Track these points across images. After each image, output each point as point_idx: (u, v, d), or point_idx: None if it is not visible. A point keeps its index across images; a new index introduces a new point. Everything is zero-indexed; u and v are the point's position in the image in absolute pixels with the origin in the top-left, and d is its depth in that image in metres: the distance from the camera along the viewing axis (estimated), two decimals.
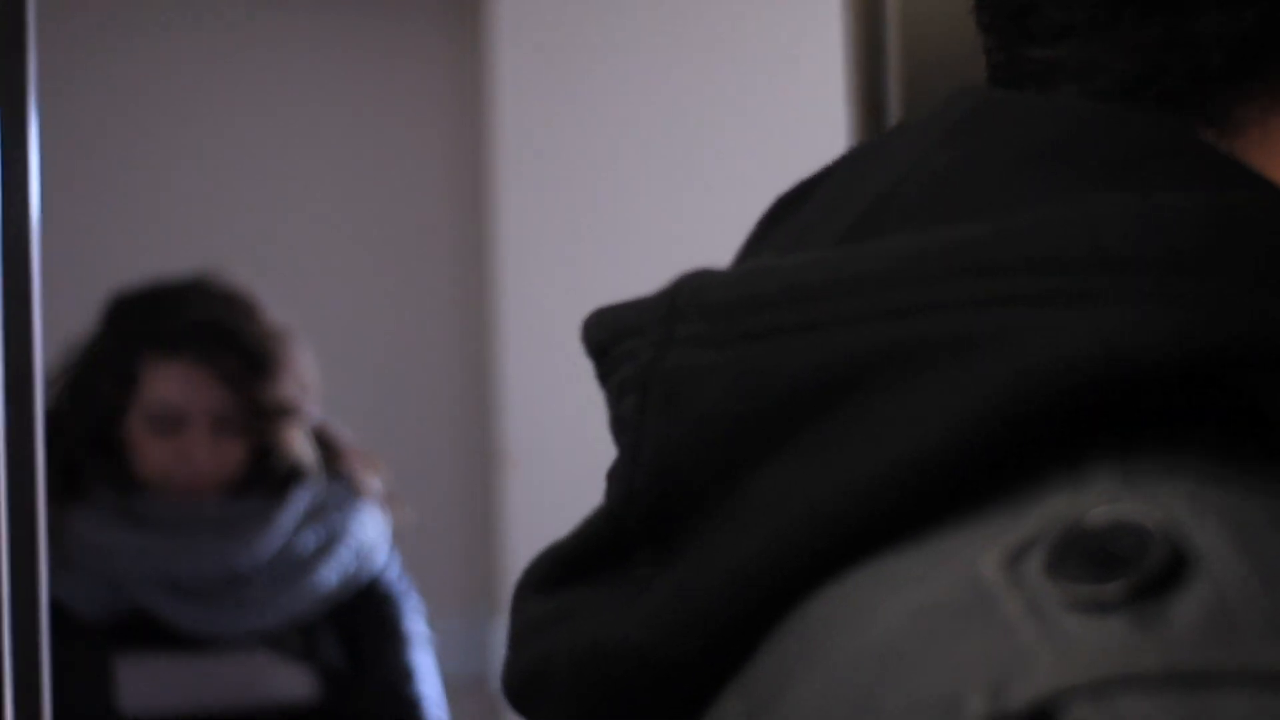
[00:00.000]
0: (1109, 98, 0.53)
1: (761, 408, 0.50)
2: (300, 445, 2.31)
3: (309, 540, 2.29)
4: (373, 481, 2.41)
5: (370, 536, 2.37)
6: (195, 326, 2.29)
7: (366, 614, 2.34)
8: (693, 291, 0.53)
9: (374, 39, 3.33)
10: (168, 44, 3.32)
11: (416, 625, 2.41)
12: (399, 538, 2.43)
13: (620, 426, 0.54)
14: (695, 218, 2.99)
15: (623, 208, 3.02)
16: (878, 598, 0.46)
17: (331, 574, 2.30)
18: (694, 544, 0.51)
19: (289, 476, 2.32)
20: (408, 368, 3.31)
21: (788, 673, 0.48)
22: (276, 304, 3.31)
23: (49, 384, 2.24)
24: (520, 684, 0.56)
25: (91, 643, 2.21)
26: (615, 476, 0.55)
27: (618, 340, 0.55)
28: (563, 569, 0.56)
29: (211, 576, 2.25)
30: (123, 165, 3.29)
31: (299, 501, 2.31)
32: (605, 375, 0.56)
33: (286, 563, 2.28)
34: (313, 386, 2.37)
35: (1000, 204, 0.50)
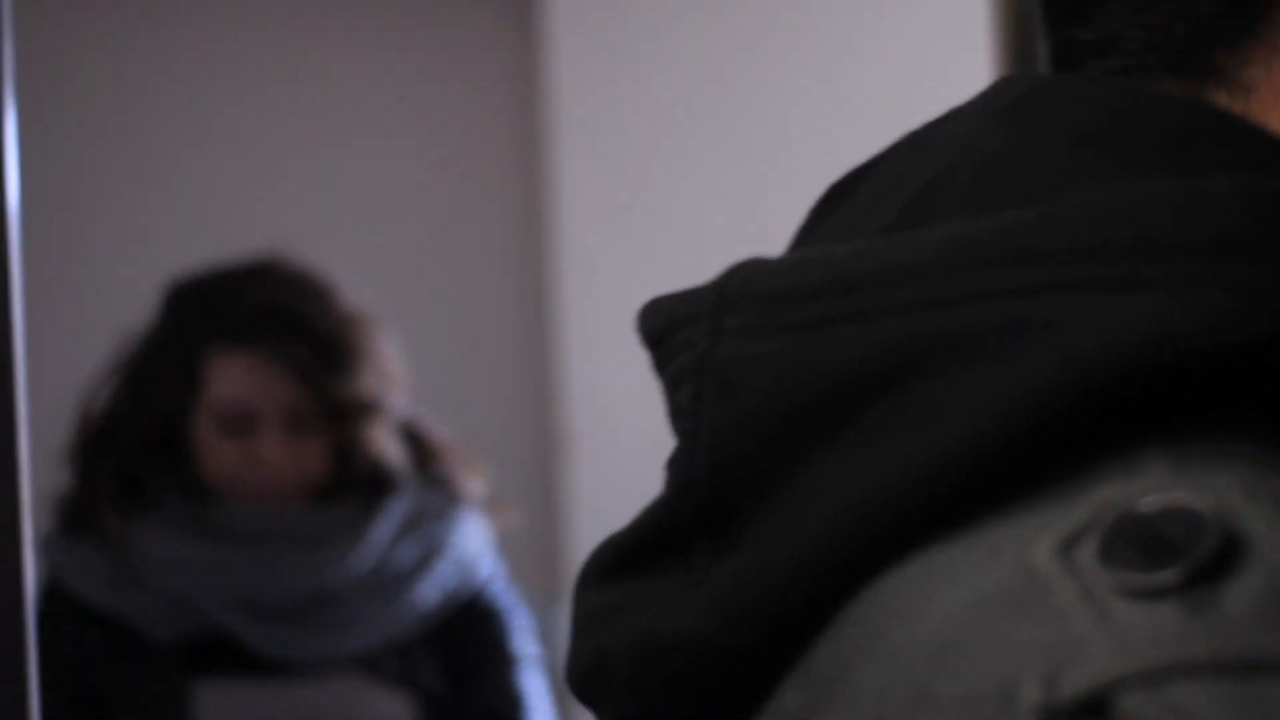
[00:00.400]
0: (1127, 71, 0.53)
1: (813, 397, 0.50)
2: (386, 444, 2.07)
3: (406, 554, 2.07)
4: (473, 484, 2.17)
5: (473, 547, 2.13)
6: (262, 314, 2.05)
7: (470, 633, 2.11)
8: (742, 281, 0.53)
9: (429, 25, 3.34)
10: (222, 27, 3.33)
11: (525, 645, 2.18)
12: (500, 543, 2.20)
13: (678, 416, 0.55)
14: (756, 199, 2.99)
15: (683, 189, 3.02)
16: (933, 587, 0.47)
17: (431, 590, 2.07)
18: (750, 534, 0.51)
19: (379, 482, 2.08)
20: (470, 351, 3.32)
21: (845, 663, 0.48)
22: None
23: (103, 382, 2.09)
24: (582, 674, 0.57)
25: (166, 667, 2.01)
26: (674, 466, 0.55)
27: (673, 330, 0.55)
28: (622, 559, 0.57)
29: (297, 594, 2.02)
30: (166, 150, 3.31)
31: (394, 510, 2.07)
32: (661, 365, 0.57)
33: (382, 579, 2.05)
34: (397, 378, 2.14)
35: (1048, 189, 0.50)
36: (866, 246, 0.51)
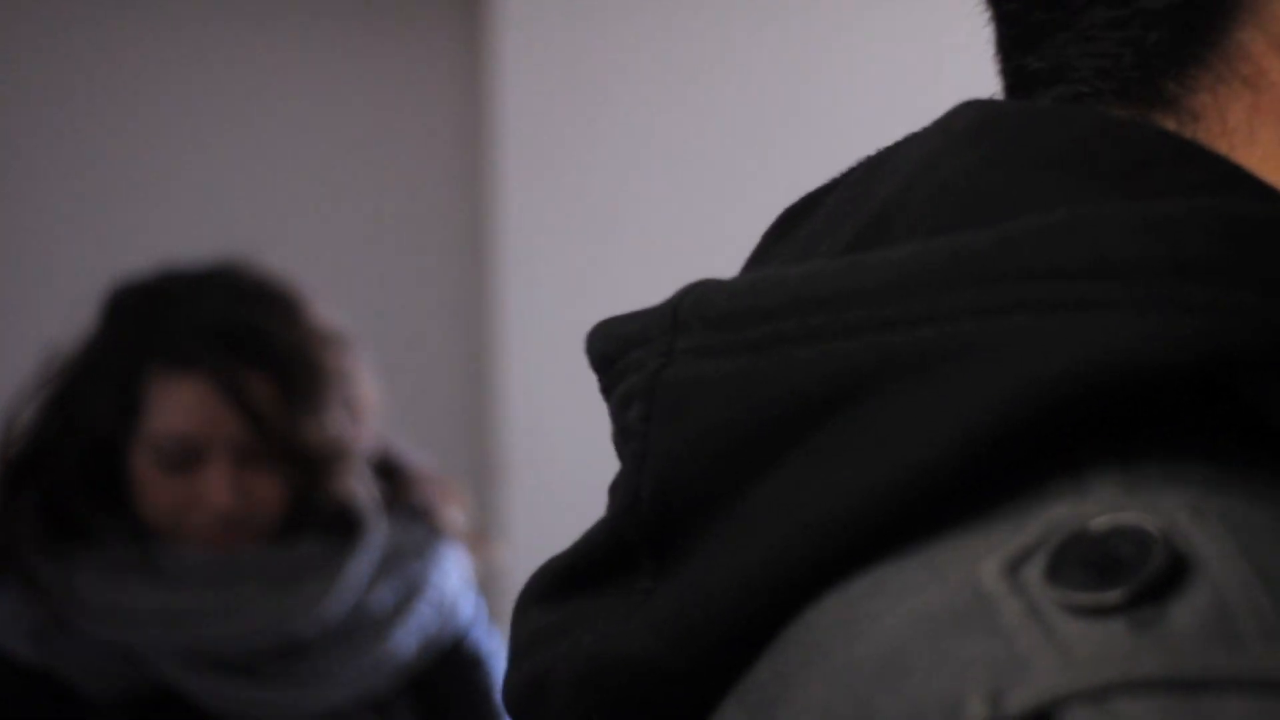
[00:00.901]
0: (1079, 99, 0.54)
1: (764, 418, 0.50)
2: (354, 483, 1.83)
3: (384, 596, 1.83)
4: (455, 517, 1.94)
5: (454, 586, 1.89)
6: (213, 332, 1.77)
7: (454, 683, 1.87)
8: (695, 302, 0.53)
9: (376, 31, 3.33)
10: (166, 33, 3.32)
11: None
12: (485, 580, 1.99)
13: (625, 437, 0.55)
14: (703, 218, 2.99)
15: (626, 208, 3.03)
16: (878, 606, 0.47)
17: (410, 637, 1.83)
18: (696, 554, 0.51)
19: (348, 519, 1.83)
20: (406, 376, 3.31)
21: (787, 680, 0.48)
22: None
23: (28, 400, 1.82)
24: (521, 696, 0.56)
25: None
26: (619, 488, 0.55)
27: (623, 351, 0.55)
28: (564, 581, 0.56)
29: (259, 645, 1.77)
30: (116, 157, 3.29)
31: (370, 547, 1.83)
32: (610, 387, 0.56)
33: (358, 625, 1.80)
34: (371, 405, 1.89)
35: (1005, 213, 0.50)
36: (820, 267, 0.51)
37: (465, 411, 3.27)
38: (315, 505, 1.81)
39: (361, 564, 1.82)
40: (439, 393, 3.31)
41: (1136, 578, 0.43)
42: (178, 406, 1.77)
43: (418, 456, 1.98)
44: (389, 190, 3.33)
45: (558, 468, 3.01)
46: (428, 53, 3.34)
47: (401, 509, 1.89)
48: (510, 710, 0.57)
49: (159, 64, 3.31)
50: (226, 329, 1.77)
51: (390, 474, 1.91)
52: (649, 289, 2.92)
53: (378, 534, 1.84)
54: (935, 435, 0.47)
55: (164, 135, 3.30)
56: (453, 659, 1.87)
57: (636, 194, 3.02)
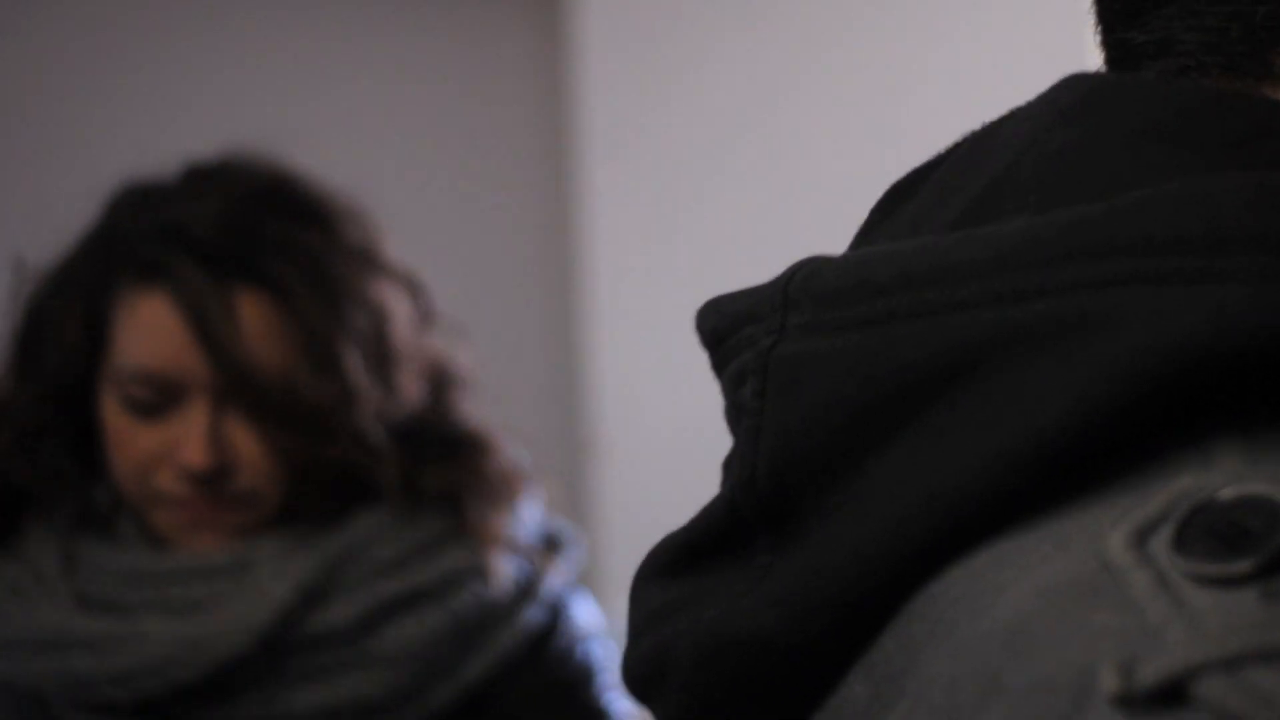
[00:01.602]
0: (1184, 72, 0.54)
1: (879, 393, 0.50)
2: (362, 452, 1.38)
3: (351, 611, 1.36)
4: (500, 522, 1.46)
5: (505, 594, 1.44)
6: (190, 234, 1.33)
7: (529, 704, 1.42)
8: (806, 279, 0.53)
9: (458, 18, 3.34)
10: (240, 14, 3.34)
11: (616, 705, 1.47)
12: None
13: (738, 413, 0.55)
14: (786, 201, 2.99)
15: (713, 192, 3.02)
16: (1003, 578, 0.47)
17: (457, 648, 1.40)
18: (815, 529, 0.52)
19: (349, 489, 1.40)
20: (499, 356, 3.32)
21: (914, 654, 0.48)
22: None
23: None
24: (641, 672, 0.57)
25: None
26: (733, 464, 0.55)
27: (734, 328, 0.55)
28: (681, 557, 0.57)
29: (147, 686, 1.33)
30: (189, 137, 3.31)
31: (337, 545, 1.38)
32: (721, 363, 0.57)
33: (305, 654, 1.35)
34: (436, 365, 1.50)
35: (1114, 185, 0.50)
36: (931, 243, 0.51)
37: (556, 393, 3.28)
38: (320, 477, 1.36)
39: (309, 569, 1.35)
40: (530, 375, 3.32)
41: (1266, 548, 0.42)
42: (140, 332, 1.34)
43: (508, 444, 1.56)
44: (477, 173, 3.34)
45: (649, 448, 3.02)
46: (511, 38, 3.34)
47: (434, 498, 1.42)
48: (629, 686, 0.58)
49: (238, 43, 3.33)
50: (210, 232, 1.33)
51: (445, 454, 1.44)
52: (735, 268, 2.94)
53: (359, 529, 1.39)
54: (1055, 407, 0.47)
55: (247, 121, 3.33)
56: (529, 675, 1.42)
57: (722, 173, 3.02)
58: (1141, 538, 0.44)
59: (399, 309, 1.45)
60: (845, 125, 2.97)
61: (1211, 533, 0.43)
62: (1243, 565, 0.42)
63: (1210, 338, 0.46)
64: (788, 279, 0.54)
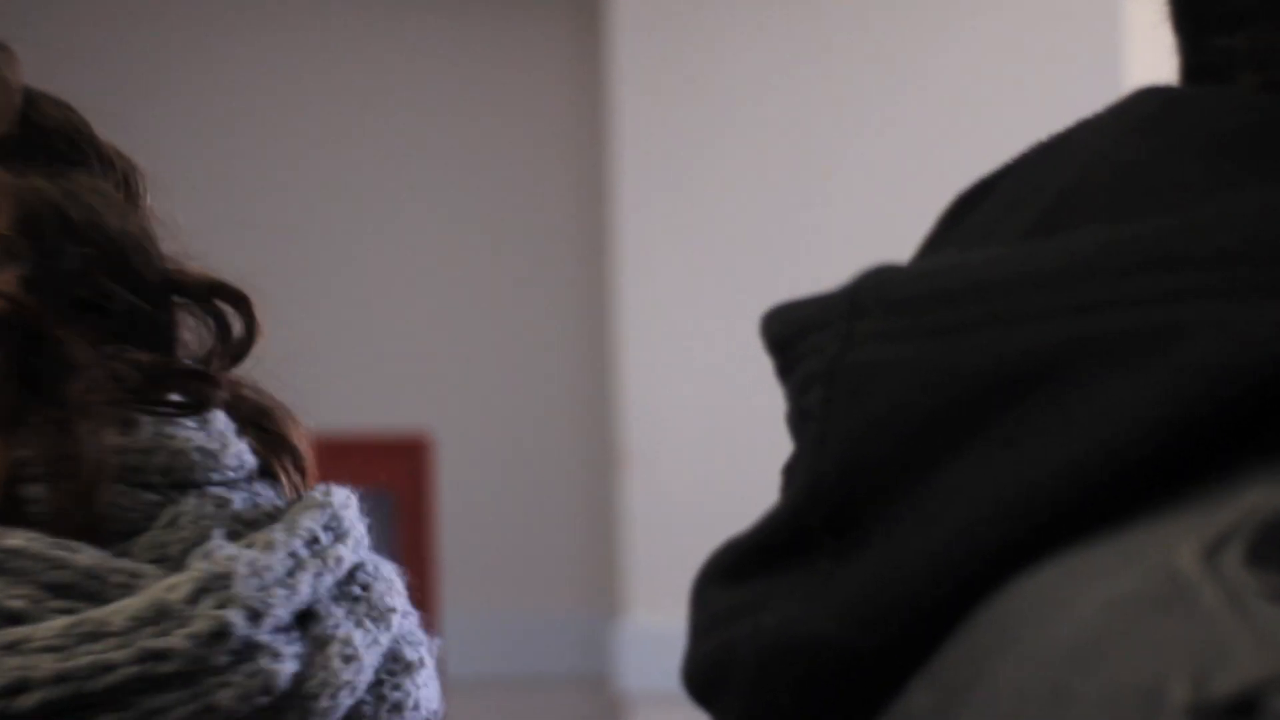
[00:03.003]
0: (1272, 86, 0.54)
1: (947, 402, 0.50)
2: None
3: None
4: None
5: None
6: None
7: None
8: (875, 287, 0.54)
9: (493, 30, 3.35)
10: (282, 37, 3.35)
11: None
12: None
13: (803, 420, 0.55)
14: (819, 214, 2.99)
15: (744, 205, 3.03)
16: (1071, 590, 0.47)
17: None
18: (879, 537, 0.52)
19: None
20: (527, 367, 3.33)
21: (979, 664, 0.48)
22: (393, 304, 3.34)
23: None
24: (702, 676, 0.57)
25: None
26: (797, 470, 0.56)
27: (801, 335, 0.56)
28: (745, 561, 0.57)
29: None
30: (228, 160, 3.32)
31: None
32: (786, 370, 0.57)
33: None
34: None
35: (1189, 199, 0.50)
36: (1003, 253, 0.51)
37: (586, 404, 3.28)
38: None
39: None
40: (560, 385, 3.32)
41: None
42: None
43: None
44: (511, 183, 3.35)
45: (677, 460, 3.02)
46: (545, 46, 3.35)
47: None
48: (691, 690, 0.58)
49: (270, 64, 3.34)
50: None
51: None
52: (768, 280, 2.92)
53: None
54: (1125, 420, 0.47)
55: (279, 136, 3.33)
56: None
57: (755, 185, 3.02)
58: (1212, 552, 0.45)
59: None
60: (881, 137, 2.97)
61: None
62: None
63: None
64: (856, 286, 0.54)
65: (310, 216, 3.32)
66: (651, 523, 3.01)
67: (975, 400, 0.50)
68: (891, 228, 2.98)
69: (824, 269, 3.32)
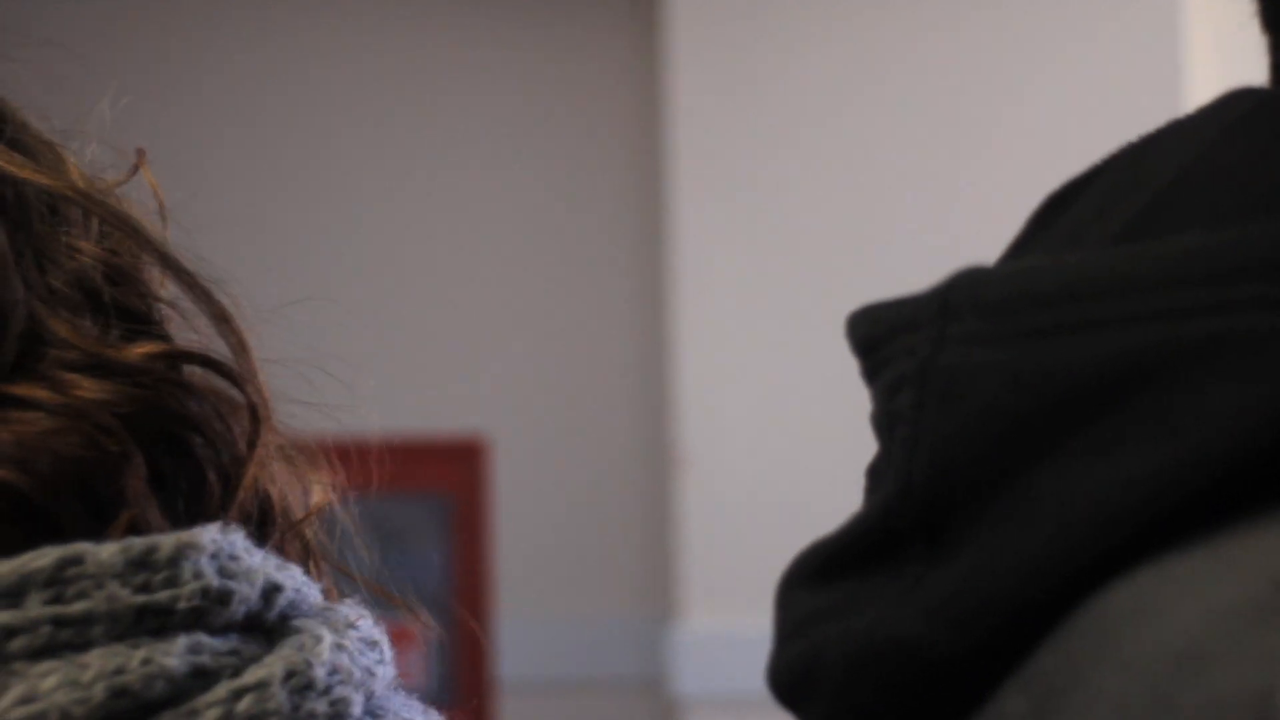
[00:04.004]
0: None
1: (1043, 405, 0.50)
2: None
3: None
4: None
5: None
6: None
7: None
8: (967, 288, 0.53)
9: (550, 30, 3.35)
10: (336, 36, 3.36)
11: None
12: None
13: (892, 422, 0.55)
14: (876, 217, 2.98)
15: (801, 208, 3.02)
16: (1168, 596, 0.46)
17: None
18: (972, 539, 0.51)
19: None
20: (584, 369, 3.33)
21: (1076, 670, 0.48)
22: (450, 306, 3.35)
23: None
24: (788, 678, 0.57)
25: None
26: (884, 472, 0.55)
27: (890, 336, 0.55)
28: (831, 564, 0.57)
29: None
30: (282, 161, 3.33)
31: None
32: (873, 371, 0.57)
33: None
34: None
35: None
36: (1100, 255, 0.51)
37: (643, 406, 3.28)
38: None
39: None
40: (617, 385, 3.32)
41: None
42: None
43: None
44: (567, 186, 3.35)
45: (733, 463, 3.02)
46: (603, 48, 3.35)
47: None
48: (776, 693, 0.58)
49: (329, 62, 3.35)
50: None
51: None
52: (824, 282, 2.90)
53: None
54: (1226, 425, 0.47)
55: (336, 138, 3.34)
56: None
57: (811, 186, 3.01)
58: None
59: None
60: (937, 136, 2.96)
61: None
62: None
63: None
64: (947, 288, 0.54)
65: (368, 220, 3.33)
66: (708, 526, 3.01)
67: (1072, 403, 0.50)
68: (949, 226, 2.99)
69: (883, 271, 3.33)
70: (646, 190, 3.28)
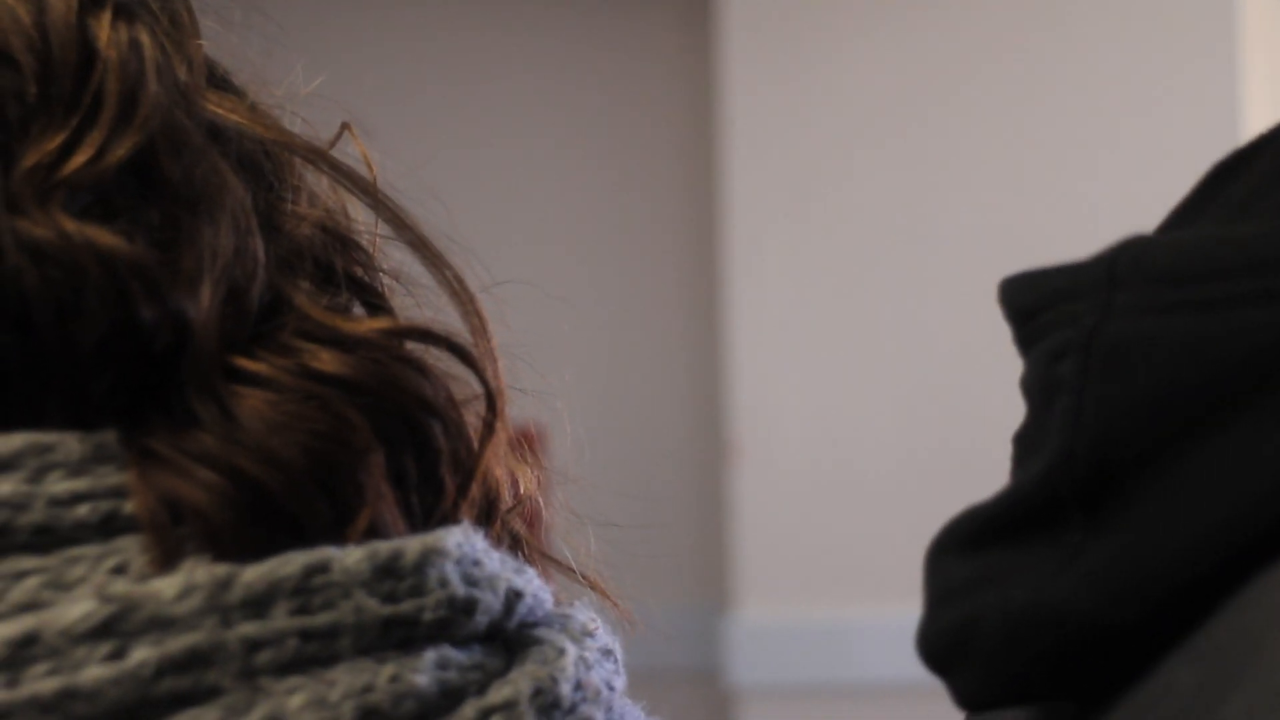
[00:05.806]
0: None
1: (1216, 378, 0.50)
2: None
3: None
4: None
5: None
6: None
7: None
8: (1134, 258, 0.53)
9: (605, 30, 3.35)
10: (397, 28, 3.36)
11: None
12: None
13: (1052, 390, 0.54)
14: (930, 208, 2.98)
15: (855, 198, 3.01)
16: None
17: None
18: (1137, 510, 0.51)
19: None
20: (639, 360, 3.33)
21: (1254, 641, 0.47)
22: (504, 298, 3.32)
23: None
24: (940, 645, 0.56)
25: None
26: (1040, 440, 0.55)
27: (1050, 304, 0.55)
28: (986, 531, 0.56)
29: None
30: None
31: None
32: (1031, 338, 0.56)
33: None
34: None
35: None
36: (1274, 228, 0.51)
37: (698, 397, 3.28)
38: None
39: None
40: (672, 379, 3.32)
41: None
42: None
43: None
44: (623, 176, 3.35)
45: (788, 452, 3.01)
46: (658, 44, 3.35)
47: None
48: (928, 659, 0.57)
49: (383, 55, 3.35)
50: None
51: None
52: (878, 272, 2.88)
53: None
54: None
55: (396, 116, 3.35)
56: None
57: (865, 178, 3.01)
58: None
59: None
60: (991, 128, 2.95)
61: None
62: None
63: None
64: (1113, 257, 0.54)
65: (418, 214, 3.33)
66: (762, 517, 3.00)
67: (1243, 377, 0.49)
68: (1002, 219, 2.98)
69: (937, 261, 3.29)
70: (701, 183, 3.28)
